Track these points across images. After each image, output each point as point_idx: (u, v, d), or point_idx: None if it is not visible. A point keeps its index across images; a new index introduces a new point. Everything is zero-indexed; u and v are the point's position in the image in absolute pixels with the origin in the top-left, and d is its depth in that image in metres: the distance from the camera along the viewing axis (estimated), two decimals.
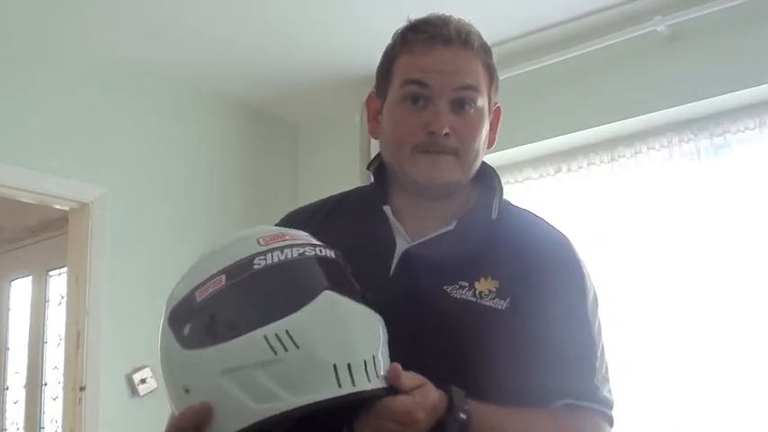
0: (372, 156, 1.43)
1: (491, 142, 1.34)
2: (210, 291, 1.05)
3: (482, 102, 1.28)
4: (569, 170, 3.64)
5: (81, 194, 3.55)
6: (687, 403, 3.18)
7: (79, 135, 3.56)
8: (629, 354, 3.24)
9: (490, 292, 1.21)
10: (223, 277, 1.06)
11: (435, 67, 1.25)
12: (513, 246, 1.27)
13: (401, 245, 1.28)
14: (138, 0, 3.22)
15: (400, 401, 1.04)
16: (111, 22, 3.37)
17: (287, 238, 1.10)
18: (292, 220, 1.36)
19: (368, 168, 1.39)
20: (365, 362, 1.02)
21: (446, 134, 1.24)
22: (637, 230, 3.42)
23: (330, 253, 1.11)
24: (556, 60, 3.47)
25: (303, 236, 1.13)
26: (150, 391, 3.53)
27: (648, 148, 3.43)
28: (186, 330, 1.06)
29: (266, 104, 4.21)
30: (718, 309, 3.16)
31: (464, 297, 1.21)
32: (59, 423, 3.85)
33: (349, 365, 1.01)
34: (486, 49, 1.31)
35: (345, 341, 1.03)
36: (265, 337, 1.00)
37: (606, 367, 1.26)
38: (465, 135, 1.26)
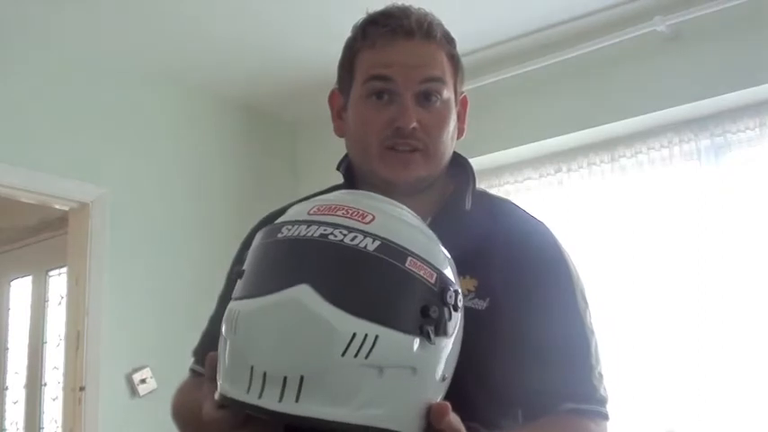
0: None
1: (460, 132, 1.32)
2: (253, 244, 1.01)
3: (448, 93, 1.25)
4: (569, 170, 3.64)
5: (81, 194, 3.55)
6: (688, 404, 3.18)
7: (79, 135, 3.56)
8: (627, 354, 3.25)
9: (469, 291, 1.17)
10: (261, 234, 1.00)
11: (398, 60, 1.22)
12: (491, 240, 1.23)
13: None
14: (138, 1, 3.22)
15: None
16: (112, 23, 3.37)
17: (338, 213, 0.96)
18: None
19: (337, 169, 1.36)
20: (286, 378, 0.88)
21: (413, 128, 1.21)
22: (637, 231, 3.42)
23: (371, 244, 0.93)
24: (556, 60, 3.47)
25: (361, 215, 0.97)
26: (150, 392, 3.53)
27: (648, 148, 3.43)
28: None
29: (266, 104, 4.21)
30: (718, 309, 3.16)
31: None
32: (59, 423, 3.85)
33: (264, 374, 0.89)
34: (449, 39, 1.28)
35: (276, 348, 0.90)
36: (232, 311, 0.95)
37: (600, 363, 1.24)
38: (432, 128, 1.23)
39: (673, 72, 3.28)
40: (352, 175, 1.33)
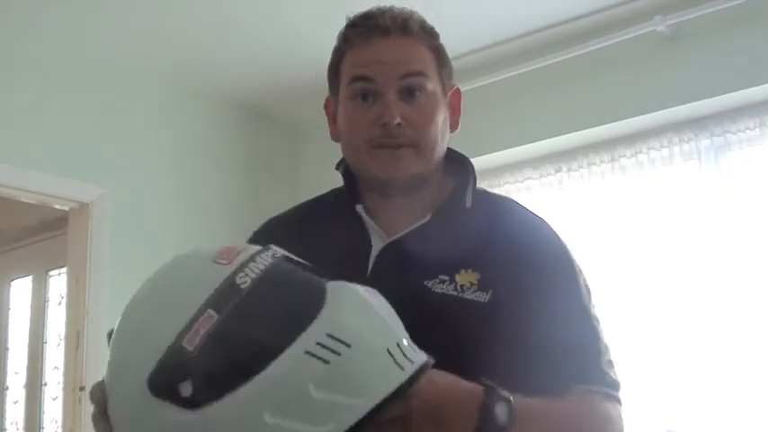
0: None
1: (454, 125, 1.32)
2: (204, 331, 0.90)
3: (432, 86, 1.25)
4: (569, 170, 3.64)
5: (81, 194, 3.55)
6: (688, 404, 3.18)
7: (79, 135, 3.56)
8: (627, 354, 3.24)
9: (471, 284, 1.18)
10: (210, 311, 0.91)
11: (376, 59, 1.23)
12: (493, 235, 1.24)
13: (377, 243, 1.25)
14: (139, 1, 3.22)
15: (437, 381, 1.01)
16: (112, 22, 3.37)
17: (239, 248, 0.99)
18: (271, 229, 1.34)
19: (336, 168, 1.36)
20: (406, 338, 0.97)
21: (398, 124, 1.21)
22: (637, 231, 3.42)
23: (282, 251, 1.02)
24: (556, 60, 3.47)
25: (248, 245, 1.03)
26: None
27: (648, 148, 3.43)
28: (187, 389, 0.89)
29: (266, 104, 4.21)
30: (718, 309, 3.16)
31: (445, 291, 1.17)
32: (59, 423, 3.84)
33: (398, 345, 0.94)
34: (430, 33, 1.28)
35: (383, 323, 0.95)
36: (307, 352, 0.88)
37: (609, 350, 1.23)
38: (419, 123, 1.23)
39: (673, 72, 3.28)
40: (351, 176, 1.33)
